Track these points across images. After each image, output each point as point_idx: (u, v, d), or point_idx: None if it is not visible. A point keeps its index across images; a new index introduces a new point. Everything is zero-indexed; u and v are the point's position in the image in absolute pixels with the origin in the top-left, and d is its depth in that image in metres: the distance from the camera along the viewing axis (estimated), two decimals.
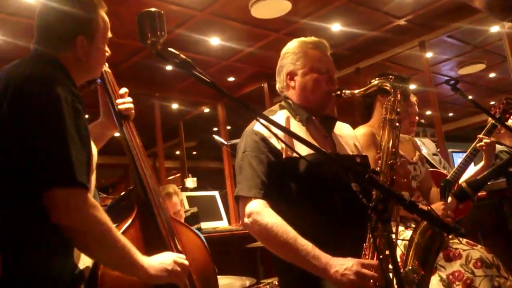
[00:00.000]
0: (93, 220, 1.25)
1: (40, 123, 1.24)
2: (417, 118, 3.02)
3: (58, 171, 1.21)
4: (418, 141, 3.14)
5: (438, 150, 3.27)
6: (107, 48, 1.57)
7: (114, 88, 1.75)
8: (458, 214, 2.84)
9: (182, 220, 3.38)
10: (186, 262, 1.46)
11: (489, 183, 2.67)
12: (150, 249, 1.46)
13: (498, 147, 3.23)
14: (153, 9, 1.29)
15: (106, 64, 1.70)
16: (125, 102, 1.74)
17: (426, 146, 3.18)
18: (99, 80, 1.71)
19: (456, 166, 2.87)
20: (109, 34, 1.56)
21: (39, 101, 1.25)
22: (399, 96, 1.86)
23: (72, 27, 1.45)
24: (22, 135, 1.23)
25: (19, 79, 1.30)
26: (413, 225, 2.25)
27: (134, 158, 1.62)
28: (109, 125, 1.75)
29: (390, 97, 1.87)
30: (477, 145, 2.84)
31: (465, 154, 2.87)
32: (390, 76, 1.90)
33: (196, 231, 1.80)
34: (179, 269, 1.42)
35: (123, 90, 1.77)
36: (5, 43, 5.13)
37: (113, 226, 1.30)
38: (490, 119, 2.92)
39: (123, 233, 1.46)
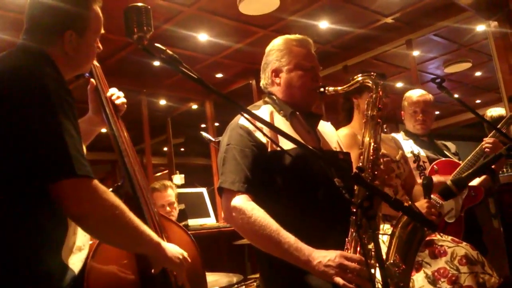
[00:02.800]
0: (107, 205, 1.25)
1: (34, 118, 1.21)
2: (420, 116, 3.03)
3: (65, 162, 1.20)
4: (440, 143, 3.19)
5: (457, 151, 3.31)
6: (99, 44, 1.55)
7: (103, 83, 1.73)
8: (470, 202, 2.88)
9: (175, 217, 3.42)
10: (189, 260, 1.51)
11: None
12: None
13: None
14: (140, 4, 1.28)
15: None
16: (119, 97, 1.73)
17: (448, 148, 3.21)
18: (87, 74, 1.69)
19: (459, 167, 2.88)
20: (102, 30, 1.54)
21: (30, 96, 1.23)
22: (380, 92, 1.88)
23: (61, 21, 1.42)
24: (17, 131, 1.21)
25: (6, 73, 1.27)
26: None
27: (123, 153, 1.61)
28: (98, 121, 1.73)
29: (372, 93, 1.88)
30: (483, 145, 2.86)
31: (470, 155, 2.89)
32: (372, 73, 1.92)
33: (184, 228, 1.80)
34: (185, 262, 1.48)
35: (113, 89, 1.76)
36: None
37: (126, 208, 1.30)
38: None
39: None
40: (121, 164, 1.61)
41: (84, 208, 1.22)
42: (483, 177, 2.76)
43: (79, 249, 1.39)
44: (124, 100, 1.75)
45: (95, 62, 1.72)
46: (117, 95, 1.74)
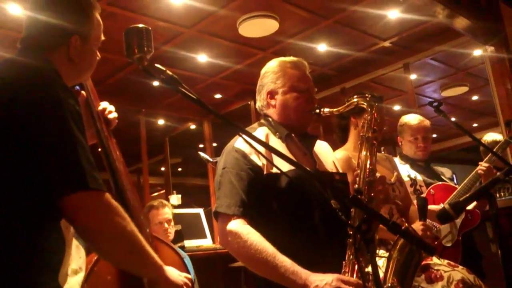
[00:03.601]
0: (118, 220, 1.22)
1: (47, 129, 1.18)
2: (422, 143, 3.05)
3: (78, 174, 1.17)
4: (436, 168, 3.20)
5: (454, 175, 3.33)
6: (98, 53, 1.53)
7: (95, 97, 1.69)
8: (467, 226, 2.87)
9: (172, 234, 3.43)
10: (190, 284, 1.48)
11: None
12: None
13: None
14: (140, 25, 1.29)
15: None
16: (111, 111, 1.70)
17: (443, 173, 3.22)
18: (77, 87, 1.65)
19: (456, 191, 2.90)
20: (102, 37, 1.52)
21: (41, 105, 1.20)
22: (375, 114, 1.89)
23: (68, 26, 1.40)
24: (29, 142, 1.17)
25: (16, 81, 1.23)
26: None
27: (114, 172, 1.58)
28: (88, 136, 1.69)
29: (367, 115, 1.90)
30: (478, 170, 2.89)
31: (466, 179, 2.91)
32: (367, 95, 1.94)
33: (177, 249, 1.78)
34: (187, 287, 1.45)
35: (105, 103, 1.73)
36: None
37: (134, 227, 1.27)
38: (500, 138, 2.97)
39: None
40: (112, 183, 1.58)
41: (96, 222, 1.19)
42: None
43: (75, 272, 1.37)
44: (116, 114, 1.71)
45: None
46: (109, 109, 1.71)
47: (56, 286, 1.25)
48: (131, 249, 1.26)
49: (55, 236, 1.25)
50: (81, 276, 1.37)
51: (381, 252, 2.25)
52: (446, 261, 2.27)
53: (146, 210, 3.56)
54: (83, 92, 1.67)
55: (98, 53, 1.53)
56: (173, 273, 1.42)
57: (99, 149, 1.63)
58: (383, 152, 2.81)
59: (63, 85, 1.26)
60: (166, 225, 3.46)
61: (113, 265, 1.44)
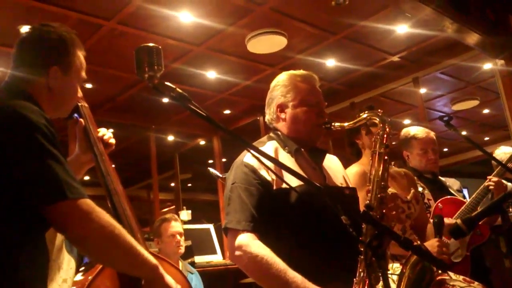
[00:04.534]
0: (103, 224, 1.26)
1: (21, 149, 1.24)
2: (432, 155, 3.03)
3: (55, 186, 1.22)
4: (444, 180, 3.18)
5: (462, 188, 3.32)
6: (80, 92, 1.61)
7: (92, 123, 1.76)
8: (476, 241, 2.84)
9: (183, 248, 3.45)
10: None
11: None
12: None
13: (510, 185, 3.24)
14: (151, 44, 1.30)
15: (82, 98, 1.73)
16: (110, 137, 1.77)
17: (450, 185, 3.20)
18: (76, 115, 1.73)
19: (464, 205, 2.87)
20: (84, 75, 1.59)
21: (13, 128, 1.26)
22: (387, 129, 1.88)
23: (48, 56, 1.48)
24: (6, 163, 1.23)
25: None
26: None
27: (111, 193, 1.61)
28: (86, 160, 1.74)
29: (379, 130, 1.89)
30: (486, 183, 2.86)
31: (475, 194, 2.89)
32: (379, 110, 1.93)
33: (186, 265, 1.77)
34: None
35: (103, 130, 1.80)
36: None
37: (122, 228, 1.31)
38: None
39: (101, 270, 1.47)
40: (110, 204, 1.61)
41: (82, 228, 1.23)
42: None
43: (65, 281, 1.40)
44: (113, 141, 1.78)
45: (84, 103, 1.76)
46: (108, 135, 1.78)
47: None
48: (120, 250, 1.30)
49: (40, 248, 1.30)
50: (67, 286, 1.40)
51: (395, 266, 2.22)
52: (461, 277, 2.24)
53: (158, 223, 3.59)
54: (81, 119, 1.74)
55: (80, 93, 1.61)
56: (169, 277, 1.43)
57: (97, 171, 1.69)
58: (393, 167, 2.79)
59: (34, 110, 1.32)
60: (178, 237, 3.49)
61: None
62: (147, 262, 1.35)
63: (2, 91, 1.44)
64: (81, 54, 1.56)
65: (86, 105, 1.77)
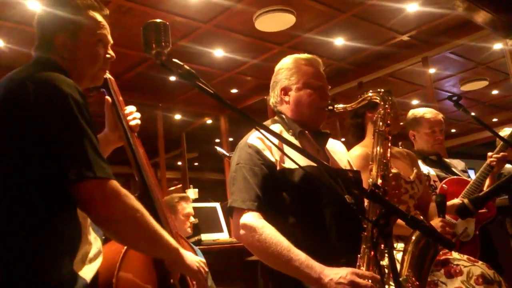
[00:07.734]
0: (128, 206, 1.27)
1: (54, 123, 1.23)
2: (440, 135, 3.02)
3: (84, 164, 1.22)
4: (448, 161, 3.17)
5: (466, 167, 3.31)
6: (109, 51, 1.52)
7: (118, 98, 1.72)
8: (483, 219, 2.84)
9: (190, 230, 3.50)
10: (206, 269, 1.52)
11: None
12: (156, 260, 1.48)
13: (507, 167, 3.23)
14: (158, 20, 1.29)
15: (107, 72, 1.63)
16: (135, 118, 1.73)
17: (454, 166, 3.19)
18: (102, 89, 1.67)
19: (468, 185, 2.86)
20: (107, 36, 1.51)
21: (48, 101, 1.24)
22: (388, 108, 1.88)
23: (50, 26, 1.44)
24: (37, 136, 1.22)
25: (21, 82, 1.29)
26: None
27: (141, 168, 1.62)
28: (114, 138, 1.71)
29: (380, 109, 1.90)
30: (488, 161, 2.85)
31: (478, 172, 2.88)
32: (379, 90, 1.93)
33: (195, 247, 1.80)
34: (203, 270, 1.49)
35: (131, 108, 1.74)
36: (10, 50, 5.18)
37: (145, 210, 1.32)
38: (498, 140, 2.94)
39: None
40: (138, 178, 1.61)
41: (108, 208, 1.24)
42: None
43: (90, 260, 1.40)
44: (139, 121, 1.73)
45: (109, 75, 1.68)
46: (134, 115, 1.72)
47: (70, 271, 1.29)
48: (144, 233, 1.31)
49: (72, 223, 1.30)
50: (96, 264, 1.40)
51: (399, 246, 2.23)
52: (466, 256, 2.26)
53: (176, 199, 3.59)
54: (107, 97, 1.70)
55: (109, 52, 1.52)
56: (189, 256, 1.47)
57: (126, 148, 1.67)
58: (401, 148, 2.78)
59: (68, 83, 1.30)
60: (192, 218, 3.53)
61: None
62: (168, 246, 1.38)
63: (31, 65, 1.41)
64: (96, 14, 1.48)
65: (111, 77, 1.70)
